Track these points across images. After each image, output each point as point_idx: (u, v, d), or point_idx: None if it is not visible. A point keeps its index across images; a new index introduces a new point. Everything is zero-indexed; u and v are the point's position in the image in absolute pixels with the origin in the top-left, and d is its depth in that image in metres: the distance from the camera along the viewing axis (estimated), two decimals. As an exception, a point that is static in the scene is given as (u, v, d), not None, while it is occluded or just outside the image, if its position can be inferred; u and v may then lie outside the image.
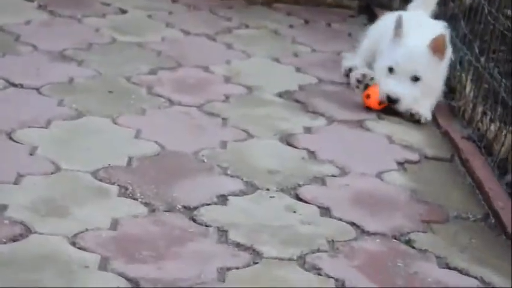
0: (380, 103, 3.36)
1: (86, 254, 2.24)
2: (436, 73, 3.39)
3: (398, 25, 3.36)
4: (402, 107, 3.35)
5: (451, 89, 3.68)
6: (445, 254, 2.48)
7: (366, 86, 3.41)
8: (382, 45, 3.52)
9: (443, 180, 2.95)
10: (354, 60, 3.74)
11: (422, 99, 3.37)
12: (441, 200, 2.79)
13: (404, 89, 3.33)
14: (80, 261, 2.20)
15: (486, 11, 3.47)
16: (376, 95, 3.37)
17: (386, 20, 3.71)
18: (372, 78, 3.40)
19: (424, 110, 3.38)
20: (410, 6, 3.87)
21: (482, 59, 3.49)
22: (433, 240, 2.54)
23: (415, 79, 3.35)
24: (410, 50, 3.34)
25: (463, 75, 3.62)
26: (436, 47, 3.35)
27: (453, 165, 3.08)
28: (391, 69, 3.36)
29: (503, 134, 3.08)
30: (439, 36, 3.35)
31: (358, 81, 3.42)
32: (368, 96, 3.39)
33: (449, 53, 3.55)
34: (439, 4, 4.27)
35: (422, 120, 3.37)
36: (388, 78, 3.35)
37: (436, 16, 4.29)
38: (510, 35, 3.25)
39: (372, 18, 4.58)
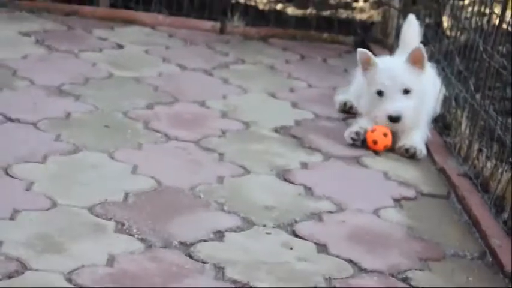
0: (384, 135, 3.36)
1: (82, 290, 2.23)
2: (421, 84, 3.44)
3: (364, 58, 3.43)
4: (406, 121, 3.36)
5: (446, 126, 3.70)
6: (442, 292, 2.47)
7: (363, 141, 3.40)
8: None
9: (440, 217, 2.95)
10: (346, 94, 3.79)
11: (414, 129, 3.41)
12: (438, 237, 2.79)
13: (400, 103, 3.36)
14: (76, 298, 2.19)
15: (481, 48, 3.49)
16: (380, 128, 3.35)
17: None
18: (365, 131, 3.39)
19: (417, 143, 3.39)
20: (395, 54, 3.92)
21: (478, 96, 3.51)
22: (430, 278, 2.53)
23: (406, 92, 3.39)
24: (392, 68, 3.41)
25: (459, 112, 3.64)
26: (415, 58, 3.41)
27: (449, 202, 3.08)
28: (380, 93, 3.39)
29: (499, 171, 3.09)
30: (415, 48, 3.42)
31: (354, 139, 3.41)
32: (375, 142, 3.36)
33: (433, 76, 3.65)
34: (434, 41, 4.31)
35: (418, 154, 3.38)
36: (381, 103, 3.38)
37: (432, 53, 4.33)
38: (505, 72, 3.27)
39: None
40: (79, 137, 3.16)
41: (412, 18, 3.93)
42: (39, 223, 2.53)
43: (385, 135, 3.37)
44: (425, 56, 3.43)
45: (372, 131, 3.37)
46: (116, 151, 3.09)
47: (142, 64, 4.09)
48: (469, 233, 2.85)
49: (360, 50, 3.46)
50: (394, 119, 3.35)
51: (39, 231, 2.48)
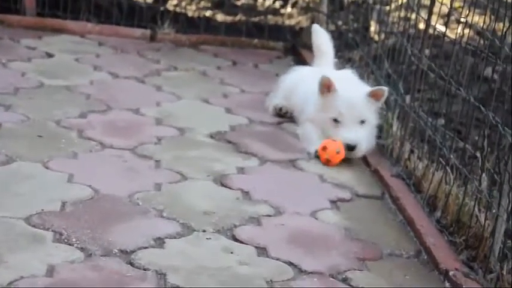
0: (337, 153, 3.38)
1: (22, 302, 2.20)
2: (374, 113, 3.54)
3: (325, 83, 3.46)
4: (360, 151, 3.44)
5: (378, 128, 3.76)
6: (381, 291, 2.52)
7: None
8: (295, 92, 3.74)
9: (376, 217, 3.01)
10: (277, 98, 3.84)
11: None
12: (374, 237, 2.84)
13: (357, 133, 3.43)
14: (17, 309, 2.16)
15: (409, 51, 3.57)
16: (332, 144, 3.38)
17: (297, 72, 3.93)
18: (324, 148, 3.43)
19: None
20: (315, 62, 3.98)
21: (407, 98, 3.59)
22: (369, 278, 2.58)
23: (362, 122, 3.47)
24: (351, 98, 3.46)
25: (389, 114, 3.71)
26: (376, 95, 3.48)
27: (384, 202, 3.14)
28: (336, 120, 3.45)
29: (430, 171, 3.16)
30: (380, 89, 3.49)
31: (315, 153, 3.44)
32: (324, 148, 3.38)
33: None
34: (362, 45, 4.39)
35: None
36: (338, 129, 3.44)
37: (360, 57, 4.40)
38: (433, 74, 3.35)
39: (298, 59, 4.67)
40: (12, 147, 3.11)
41: (317, 27, 4.01)
42: (-25, 235, 2.48)
43: (337, 152, 3.39)
44: (386, 95, 3.52)
45: (323, 149, 3.38)
46: (50, 161, 3.06)
47: (73, 73, 4.05)
48: (404, 232, 2.91)
49: (323, 76, 3.46)
50: (350, 148, 3.41)
51: (-25, 244, 2.43)
